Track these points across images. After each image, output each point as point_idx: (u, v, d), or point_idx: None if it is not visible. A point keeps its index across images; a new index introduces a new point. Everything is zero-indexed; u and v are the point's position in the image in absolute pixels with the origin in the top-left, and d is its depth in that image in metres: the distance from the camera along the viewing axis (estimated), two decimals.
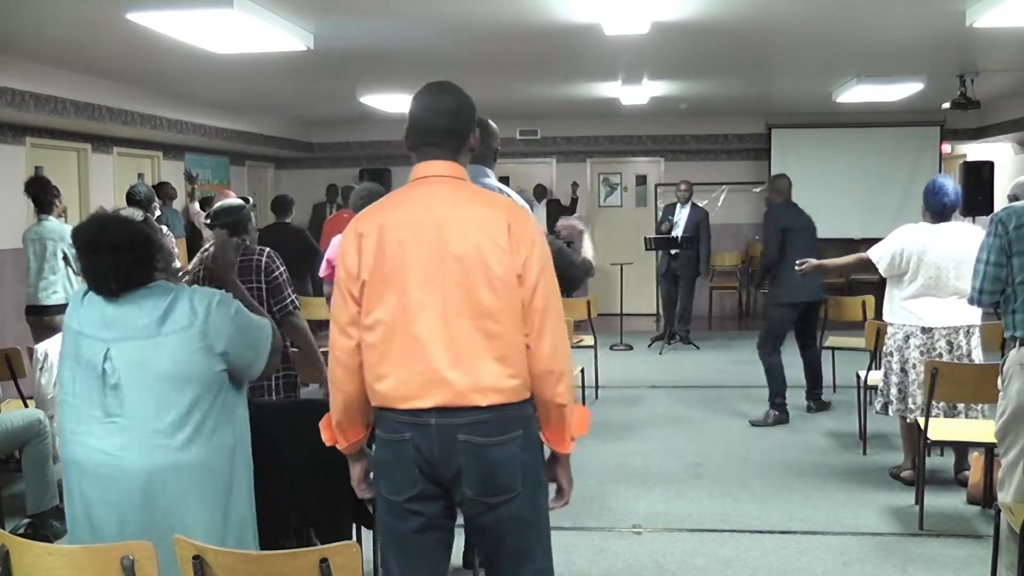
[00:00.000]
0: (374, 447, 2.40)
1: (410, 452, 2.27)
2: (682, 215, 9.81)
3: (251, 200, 4.25)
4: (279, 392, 3.85)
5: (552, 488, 2.48)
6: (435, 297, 2.26)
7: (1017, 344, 3.38)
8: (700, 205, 10.26)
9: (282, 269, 3.89)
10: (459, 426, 2.25)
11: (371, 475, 2.47)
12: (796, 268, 5.64)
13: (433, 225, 2.29)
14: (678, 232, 9.72)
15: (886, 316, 5.09)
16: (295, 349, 4.08)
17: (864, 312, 6.97)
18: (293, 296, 3.91)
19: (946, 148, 11.79)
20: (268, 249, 3.93)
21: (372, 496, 2.46)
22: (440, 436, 2.26)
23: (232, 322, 2.58)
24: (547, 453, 2.45)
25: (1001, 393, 3.47)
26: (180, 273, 3.13)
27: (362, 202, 5.12)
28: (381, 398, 2.31)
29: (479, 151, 3.85)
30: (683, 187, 9.89)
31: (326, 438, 2.47)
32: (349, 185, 11.87)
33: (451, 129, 2.41)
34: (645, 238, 9.99)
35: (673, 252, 9.79)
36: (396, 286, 2.27)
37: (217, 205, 4.11)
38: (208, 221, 4.07)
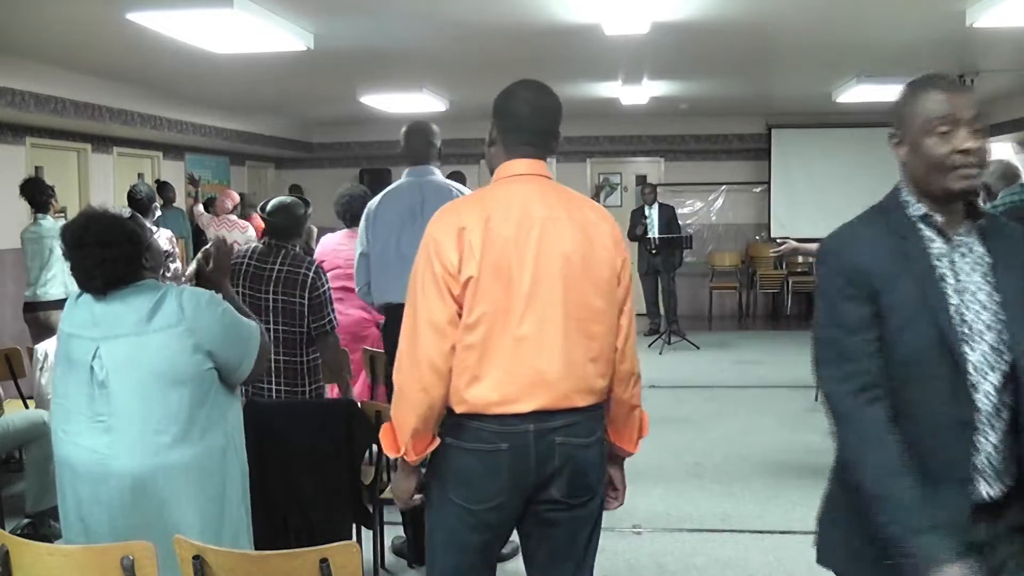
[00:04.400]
0: (452, 457, 2.25)
1: (504, 462, 2.21)
2: (652, 215, 10.51)
3: (310, 203, 4.05)
4: None
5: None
6: (543, 297, 2.21)
7: None
8: (666, 204, 10.80)
9: (327, 287, 3.79)
10: (556, 428, 2.22)
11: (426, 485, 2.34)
12: (772, 252, 5.70)
13: (537, 224, 2.24)
14: (653, 232, 10.36)
15: None
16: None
17: None
18: (333, 315, 3.81)
19: None
20: (316, 263, 3.84)
21: (412, 507, 2.39)
22: (537, 442, 2.21)
23: (220, 321, 2.58)
24: None
25: None
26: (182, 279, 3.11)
27: (343, 206, 5.09)
28: (472, 404, 2.19)
29: (420, 151, 4.10)
30: (648, 190, 10.75)
31: (389, 450, 2.25)
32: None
33: (552, 130, 2.40)
34: (648, 239, 10.16)
35: (653, 251, 10.25)
36: (502, 284, 2.19)
37: (275, 200, 3.92)
38: (263, 215, 3.94)
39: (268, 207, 3.89)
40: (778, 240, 5.58)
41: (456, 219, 2.23)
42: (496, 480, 2.23)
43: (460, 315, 2.19)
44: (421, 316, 2.19)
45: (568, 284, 2.23)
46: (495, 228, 2.20)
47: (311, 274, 3.76)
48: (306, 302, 3.73)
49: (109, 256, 2.50)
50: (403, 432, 2.21)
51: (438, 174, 4.07)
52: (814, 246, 5.56)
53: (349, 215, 5.08)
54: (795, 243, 5.61)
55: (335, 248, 5.09)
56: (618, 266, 2.32)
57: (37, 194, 6.28)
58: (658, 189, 12.11)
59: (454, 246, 2.18)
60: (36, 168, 7.64)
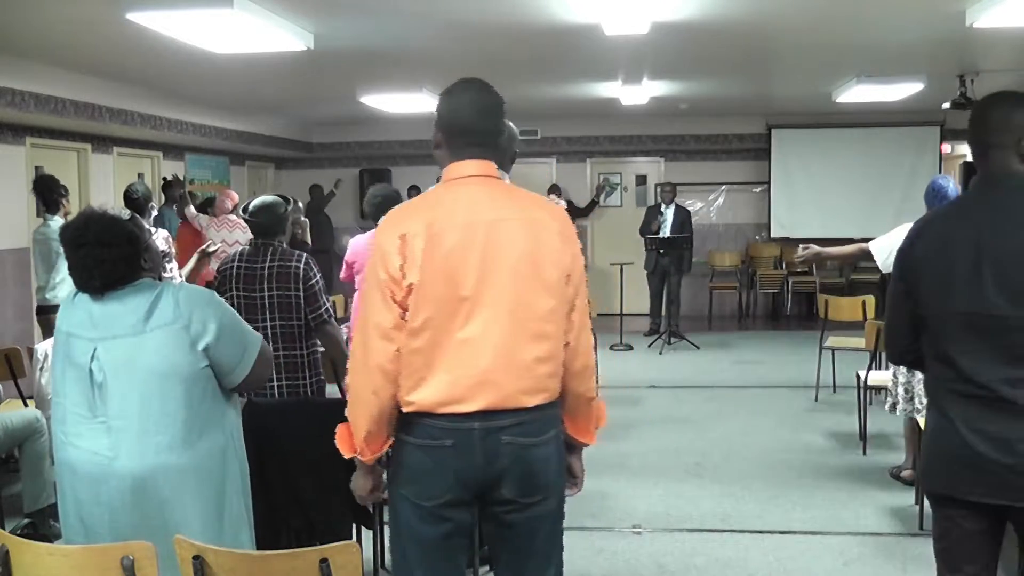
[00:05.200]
0: (403, 452, 2.29)
1: (450, 459, 2.22)
2: (668, 215, 10.41)
3: (292, 200, 4.07)
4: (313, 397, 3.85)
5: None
6: (488, 300, 2.21)
7: None
8: (682, 206, 10.74)
9: (319, 277, 3.85)
10: (504, 428, 2.23)
11: (384, 481, 2.42)
12: (797, 257, 5.66)
13: (482, 226, 2.23)
14: (666, 231, 10.28)
15: None
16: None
17: (864, 312, 6.97)
18: (328, 305, 3.87)
19: (946, 148, 11.79)
20: (305, 255, 3.89)
21: (375, 502, 2.44)
22: (484, 440, 2.22)
23: (217, 317, 2.58)
24: None
25: None
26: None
27: (374, 207, 5.09)
28: (419, 404, 2.22)
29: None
30: (668, 188, 10.65)
31: (345, 450, 2.32)
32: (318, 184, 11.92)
33: (495, 129, 2.40)
34: (648, 238, 10.15)
35: (662, 250, 10.17)
36: (447, 288, 2.20)
37: (256, 201, 3.95)
38: (245, 216, 3.98)
39: (250, 208, 3.96)
40: (801, 244, 5.51)
41: (400, 225, 2.25)
42: (443, 476, 2.24)
43: (405, 319, 2.21)
44: (369, 321, 2.23)
45: (516, 286, 2.23)
46: (438, 234, 2.21)
47: (302, 266, 3.83)
48: (301, 294, 3.79)
49: (108, 256, 2.50)
50: (357, 433, 2.28)
51: (507, 179, 3.93)
52: (837, 249, 5.58)
53: (382, 215, 5.05)
54: (817, 247, 5.56)
55: (365, 249, 5.09)
56: (567, 264, 2.30)
57: (48, 192, 6.22)
58: (657, 189, 12.15)
59: (397, 252, 2.21)
60: (36, 168, 7.63)
